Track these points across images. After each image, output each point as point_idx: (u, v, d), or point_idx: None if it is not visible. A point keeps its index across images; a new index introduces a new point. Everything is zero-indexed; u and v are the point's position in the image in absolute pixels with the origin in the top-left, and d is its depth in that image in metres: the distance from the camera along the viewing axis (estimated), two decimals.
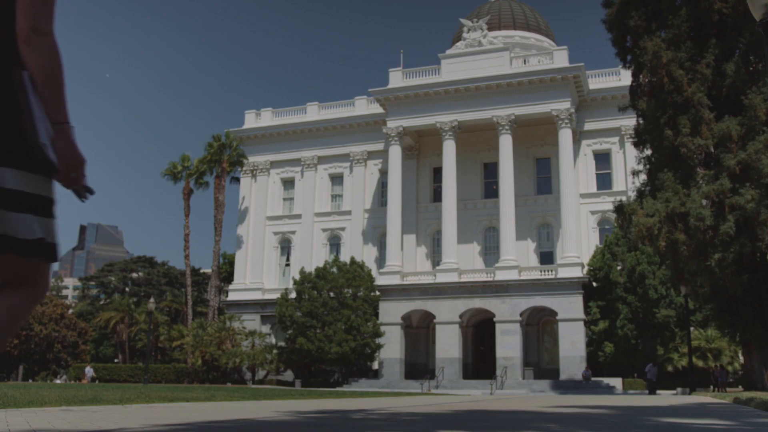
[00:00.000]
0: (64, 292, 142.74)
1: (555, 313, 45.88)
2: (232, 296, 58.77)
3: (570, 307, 45.18)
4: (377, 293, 49.00)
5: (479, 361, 50.98)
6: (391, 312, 48.82)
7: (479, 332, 51.23)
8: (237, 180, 62.60)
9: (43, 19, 2.44)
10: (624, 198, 33.12)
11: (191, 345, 52.28)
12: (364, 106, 59.29)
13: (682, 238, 21.65)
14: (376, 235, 56.22)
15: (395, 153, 52.28)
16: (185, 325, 59.58)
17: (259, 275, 58.79)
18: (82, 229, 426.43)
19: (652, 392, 36.92)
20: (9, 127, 2.33)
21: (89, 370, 55.06)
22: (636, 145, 26.61)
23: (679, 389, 38.92)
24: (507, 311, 46.35)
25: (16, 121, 2.34)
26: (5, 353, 63.90)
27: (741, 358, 37.73)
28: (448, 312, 47.62)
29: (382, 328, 47.57)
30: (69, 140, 2.45)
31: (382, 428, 5.83)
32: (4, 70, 2.39)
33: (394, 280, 49.66)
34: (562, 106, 48.84)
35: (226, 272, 71.20)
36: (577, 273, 45.78)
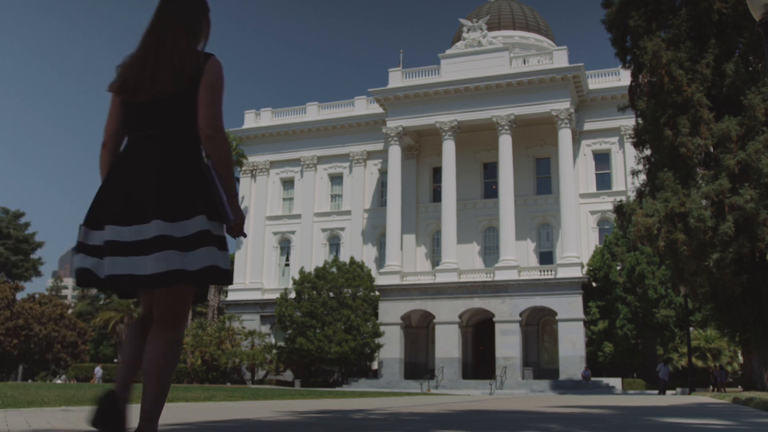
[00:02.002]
0: (64, 292, 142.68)
1: (555, 313, 45.90)
2: (232, 296, 58.76)
3: (570, 307, 45.20)
4: (377, 293, 49.01)
5: (479, 361, 51.00)
6: (391, 312, 48.83)
7: (479, 332, 51.25)
8: (236, 180, 62.68)
9: (219, 120, 3.37)
10: (624, 198, 33.13)
11: (191, 345, 52.24)
12: (363, 106, 59.30)
13: (681, 238, 21.65)
14: (376, 235, 56.23)
15: (395, 153, 52.30)
16: None
17: (259, 275, 58.80)
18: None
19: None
20: (209, 197, 3.29)
21: (98, 370, 54.83)
22: (636, 145, 26.60)
23: (678, 389, 38.94)
24: (507, 311, 46.37)
25: (210, 194, 3.30)
26: (5, 353, 63.87)
27: (740, 358, 37.73)
28: (447, 312, 47.64)
29: (382, 328, 47.59)
30: (238, 207, 3.42)
31: (383, 428, 5.83)
32: (201, 162, 3.36)
33: (393, 280, 49.67)
34: (562, 106, 48.86)
35: None
36: (577, 273, 45.80)
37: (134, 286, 3.19)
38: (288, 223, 59.53)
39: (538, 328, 49.91)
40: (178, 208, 3.20)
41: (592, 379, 42.86)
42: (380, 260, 54.22)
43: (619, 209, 25.79)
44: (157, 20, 3.47)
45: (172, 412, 7.94)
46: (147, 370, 3.34)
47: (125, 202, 3.22)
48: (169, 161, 3.26)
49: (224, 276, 3.27)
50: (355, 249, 56.03)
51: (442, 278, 48.37)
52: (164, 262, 3.11)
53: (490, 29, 56.07)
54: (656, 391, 37.49)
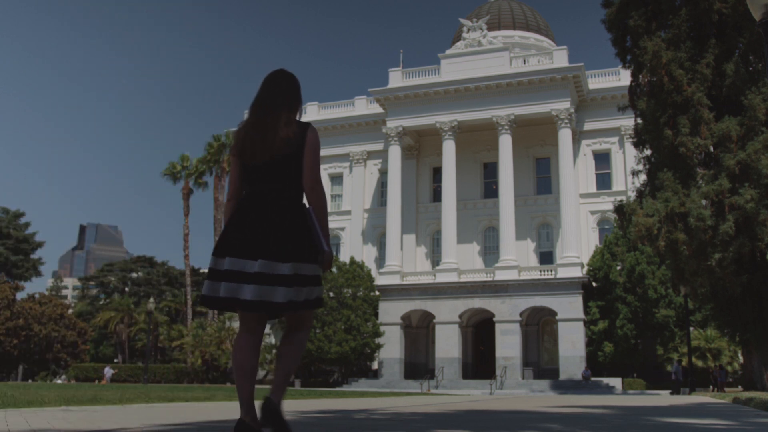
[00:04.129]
0: (64, 292, 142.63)
1: (555, 313, 45.90)
2: None
3: (570, 307, 45.20)
4: (377, 293, 48.99)
5: (479, 361, 51.00)
6: (391, 312, 48.82)
7: (479, 332, 51.25)
8: None
9: (319, 175, 4.30)
10: (624, 198, 33.14)
11: (191, 345, 52.26)
12: (363, 106, 59.28)
13: (681, 237, 21.65)
14: (376, 235, 56.22)
15: (395, 153, 52.29)
16: (185, 325, 59.55)
17: None
18: (82, 229, 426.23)
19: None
20: (309, 241, 4.17)
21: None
22: (636, 145, 26.60)
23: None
24: (507, 311, 46.36)
25: (310, 238, 4.18)
26: (5, 353, 63.87)
27: (741, 358, 37.72)
28: (447, 312, 47.63)
29: (382, 328, 47.58)
30: (329, 244, 4.25)
31: (385, 428, 5.84)
32: (304, 209, 4.24)
33: (393, 280, 49.66)
34: (562, 106, 48.86)
35: None
36: (577, 273, 45.79)
37: (268, 311, 4.14)
38: None
39: (538, 328, 49.90)
40: (298, 254, 4.11)
41: (592, 379, 42.86)
42: (380, 260, 54.20)
43: (619, 209, 25.78)
44: (264, 97, 4.39)
45: (172, 412, 7.94)
46: (282, 358, 4.27)
47: (247, 240, 4.12)
48: (281, 211, 4.18)
49: (322, 302, 4.34)
50: (355, 249, 56.01)
51: (442, 278, 48.36)
52: (294, 293, 4.07)
53: (490, 29, 56.05)
54: (668, 391, 37.55)
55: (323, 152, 59.36)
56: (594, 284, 46.43)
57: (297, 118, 4.45)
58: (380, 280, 50.15)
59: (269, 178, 4.24)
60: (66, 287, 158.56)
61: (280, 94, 4.39)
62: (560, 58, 50.23)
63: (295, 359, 4.31)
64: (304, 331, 4.37)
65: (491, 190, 53.15)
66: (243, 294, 4.03)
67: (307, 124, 4.36)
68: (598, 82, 53.04)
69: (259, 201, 4.21)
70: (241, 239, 4.13)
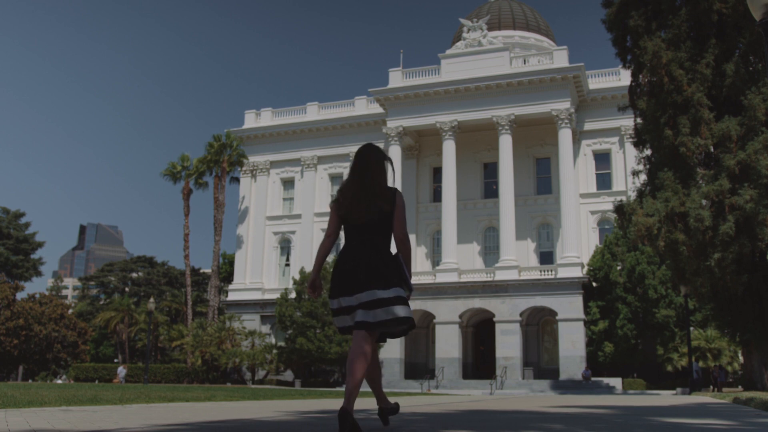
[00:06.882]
0: (64, 292, 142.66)
1: (555, 313, 45.90)
2: (232, 296, 58.74)
3: (570, 307, 45.20)
4: None
5: (479, 361, 51.00)
6: None
7: (479, 332, 51.25)
8: (237, 180, 62.56)
9: (406, 230, 5.55)
10: (624, 198, 33.18)
11: (191, 345, 52.23)
12: (363, 106, 59.26)
13: (681, 238, 21.65)
14: None
15: (395, 153, 52.30)
16: (185, 325, 59.55)
17: (259, 275, 58.78)
18: (82, 229, 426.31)
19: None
20: (401, 277, 5.37)
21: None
22: (636, 145, 26.60)
23: (678, 389, 38.95)
24: (507, 311, 46.37)
25: (402, 276, 5.38)
26: (5, 353, 63.86)
27: (741, 358, 37.72)
28: (448, 312, 47.64)
29: None
30: (411, 289, 5.54)
31: (387, 428, 5.84)
32: (396, 257, 5.43)
33: None
34: (562, 106, 48.85)
35: (226, 272, 71.21)
36: (577, 273, 45.79)
37: (368, 329, 5.29)
38: (288, 223, 59.52)
39: (538, 328, 49.91)
40: (387, 282, 5.29)
41: (593, 379, 42.87)
42: None
43: (619, 209, 25.78)
44: (361, 168, 5.53)
45: (172, 412, 7.94)
46: (374, 375, 5.75)
47: (349, 282, 5.34)
48: (377, 256, 5.35)
49: (412, 322, 5.39)
50: None
51: (442, 278, 48.36)
52: (383, 314, 5.24)
53: (490, 29, 56.05)
54: (670, 391, 37.54)
55: (324, 152, 59.58)
56: (594, 284, 46.42)
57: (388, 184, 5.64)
58: None
59: (368, 232, 5.44)
60: (66, 287, 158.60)
61: (373, 164, 5.53)
62: (560, 58, 50.23)
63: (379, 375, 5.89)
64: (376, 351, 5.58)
65: (491, 190, 53.16)
66: (363, 317, 5.24)
67: (395, 189, 5.55)
68: (598, 82, 53.02)
69: (359, 250, 5.40)
70: (348, 280, 5.33)
